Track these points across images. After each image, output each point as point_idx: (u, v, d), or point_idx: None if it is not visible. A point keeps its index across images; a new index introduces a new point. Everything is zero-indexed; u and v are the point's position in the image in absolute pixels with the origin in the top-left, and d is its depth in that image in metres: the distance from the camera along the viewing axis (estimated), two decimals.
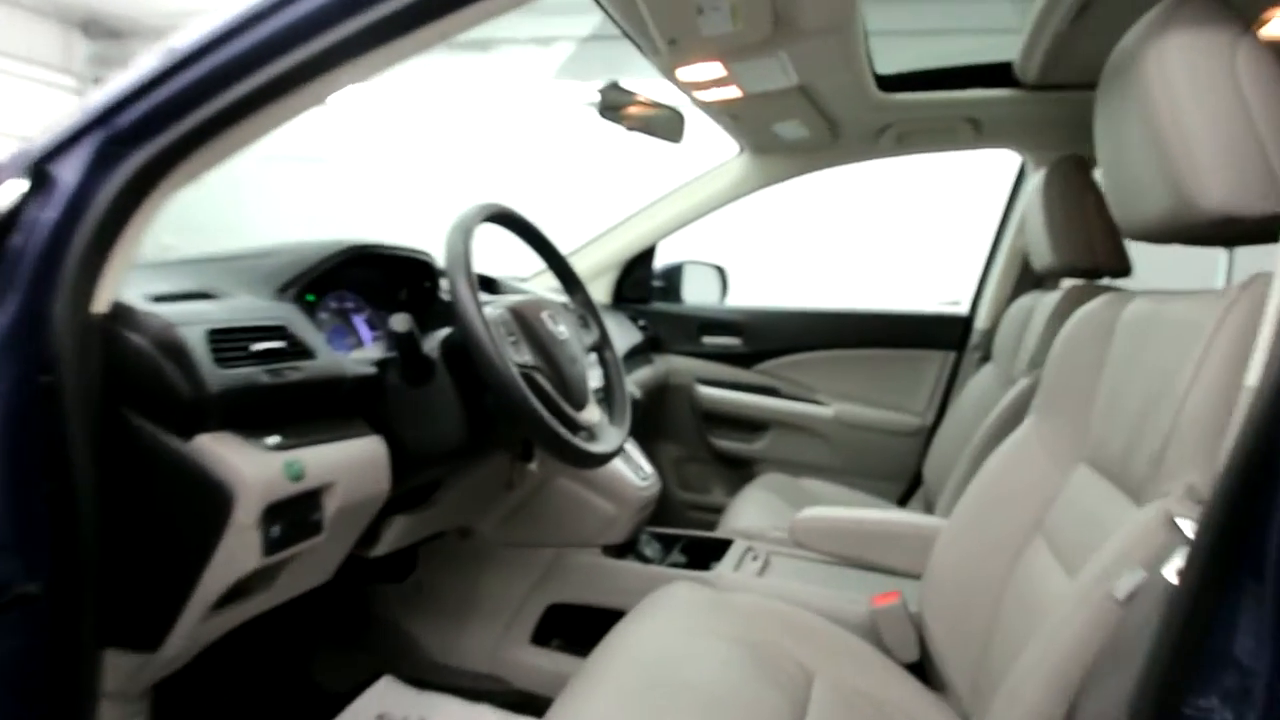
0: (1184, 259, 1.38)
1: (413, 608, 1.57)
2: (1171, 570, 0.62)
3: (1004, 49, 1.84)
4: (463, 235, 1.07)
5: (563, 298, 1.42)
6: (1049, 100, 1.88)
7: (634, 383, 2.07)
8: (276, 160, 6.01)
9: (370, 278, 1.27)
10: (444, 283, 1.32)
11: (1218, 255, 0.99)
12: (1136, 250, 1.71)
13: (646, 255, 2.51)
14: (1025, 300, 1.97)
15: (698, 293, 2.62)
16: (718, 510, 2.10)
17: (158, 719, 0.99)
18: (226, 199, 5.48)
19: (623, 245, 2.44)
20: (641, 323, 2.44)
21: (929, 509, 2.13)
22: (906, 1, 1.40)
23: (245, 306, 0.97)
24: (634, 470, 1.58)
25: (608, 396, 1.30)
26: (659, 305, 2.55)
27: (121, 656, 0.87)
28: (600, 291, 2.48)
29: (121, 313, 0.81)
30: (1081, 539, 0.93)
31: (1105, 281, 1.67)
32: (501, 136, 5.84)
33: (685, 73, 1.45)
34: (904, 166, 2.36)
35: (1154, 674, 0.53)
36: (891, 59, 1.86)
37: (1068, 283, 1.88)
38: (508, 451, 1.38)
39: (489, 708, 1.43)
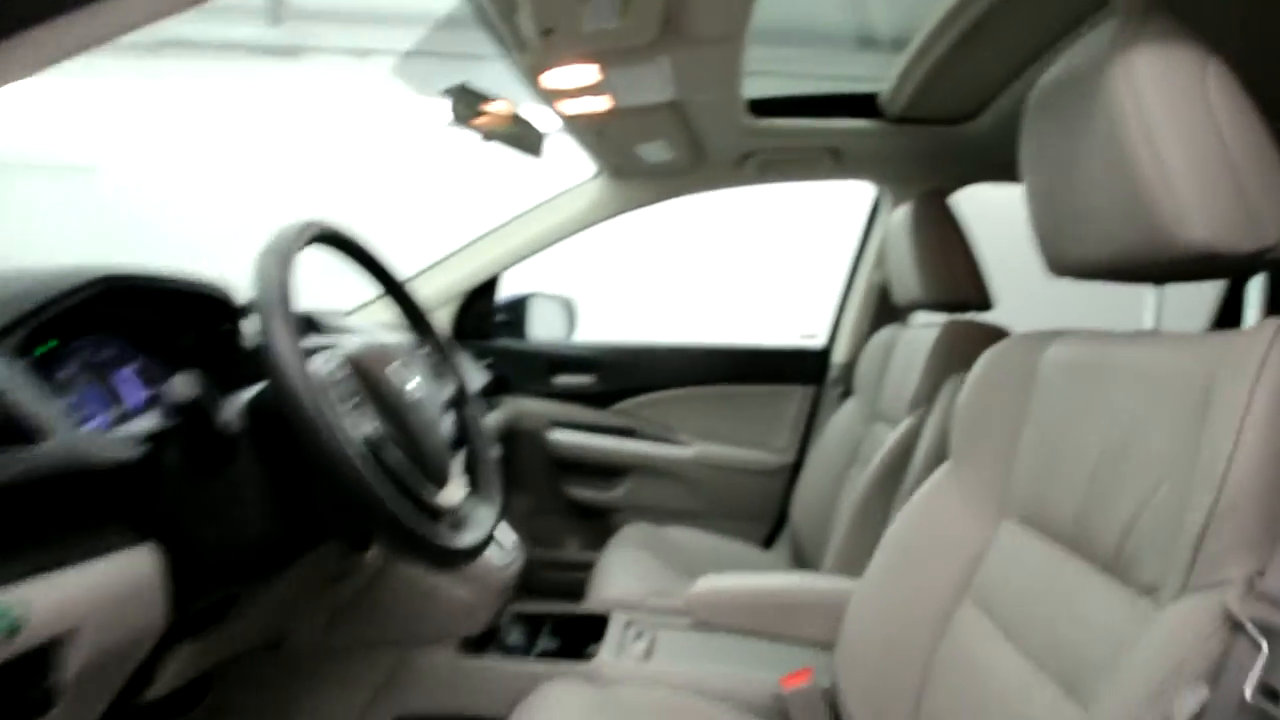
0: (1059, 297, 1.37)
1: None
2: (1251, 684, 0.52)
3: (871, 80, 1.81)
4: (278, 261, 0.79)
5: (400, 335, 1.15)
6: (912, 133, 1.88)
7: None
8: (32, 169, 5.07)
9: (142, 318, 0.94)
10: (248, 324, 1.01)
11: (1093, 289, 0.93)
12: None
13: (489, 286, 2.26)
14: (885, 334, 1.95)
15: (546, 327, 2.40)
16: (575, 567, 1.92)
17: None
18: None
19: (463, 275, 2.17)
20: (486, 361, 2.18)
21: (798, 551, 2.06)
22: (770, 44, 1.30)
23: None
24: (493, 544, 1.33)
25: (471, 465, 1.03)
26: (505, 341, 2.30)
27: None
28: (438, 326, 2.19)
29: None
30: (1032, 612, 0.84)
31: (973, 316, 1.65)
32: (323, 151, 5.29)
33: (554, 77, 1.24)
34: (758, 196, 2.30)
35: None
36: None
37: (922, 316, 1.87)
38: (338, 541, 1.08)
39: None
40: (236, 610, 0.96)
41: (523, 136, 1.47)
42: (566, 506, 2.30)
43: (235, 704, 1.22)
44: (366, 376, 0.84)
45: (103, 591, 0.68)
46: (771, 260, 4.33)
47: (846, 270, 2.33)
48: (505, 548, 1.37)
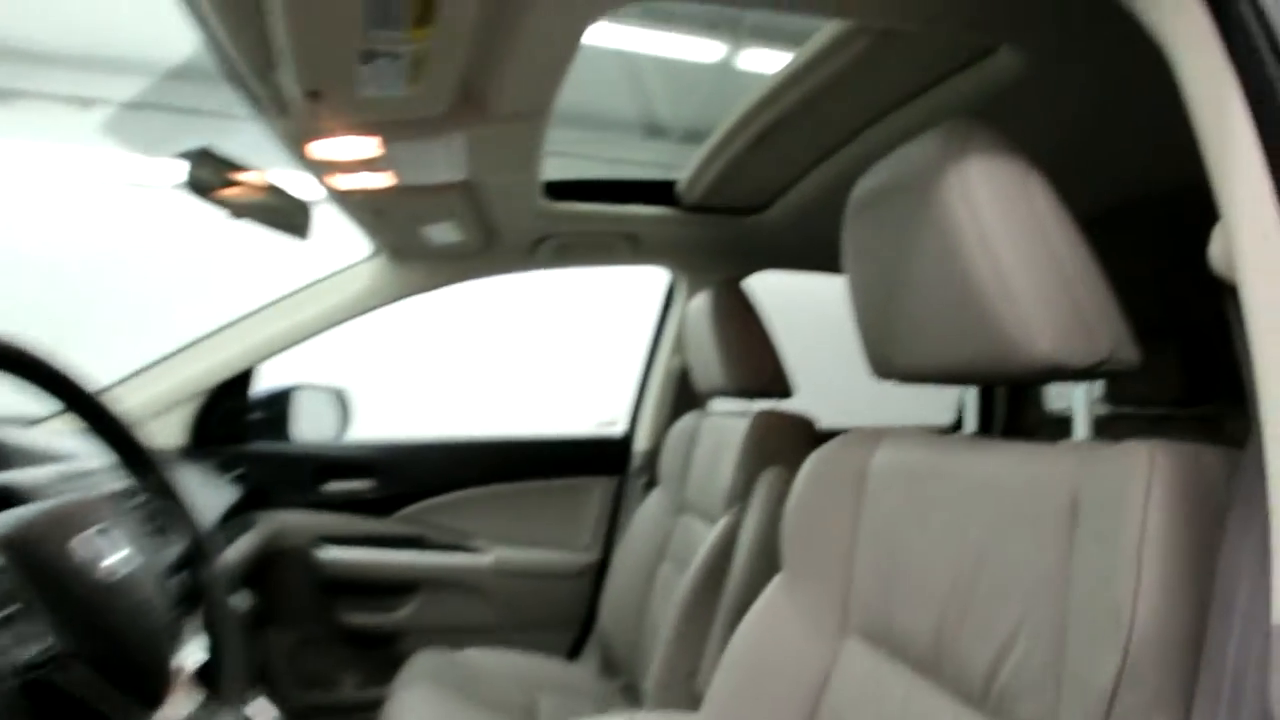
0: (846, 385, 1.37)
1: None
2: None
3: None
4: None
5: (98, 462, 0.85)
6: (707, 222, 1.88)
7: (230, 555, 1.48)
8: None
9: None
10: None
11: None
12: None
13: (243, 380, 1.92)
14: (687, 420, 1.91)
15: (314, 425, 2.07)
16: (357, 709, 1.68)
17: None
18: None
19: (209, 368, 1.82)
20: (238, 471, 1.83)
21: (607, 660, 1.92)
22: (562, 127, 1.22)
23: None
24: None
25: (214, 647, 0.76)
26: (261, 446, 1.95)
27: None
28: (173, 429, 1.80)
29: None
30: None
31: (775, 405, 1.64)
32: (35, 210, 4.40)
33: (324, 147, 1.04)
34: (548, 278, 2.19)
35: None
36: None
37: (720, 403, 1.85)
38: None
39: None
40: None
41: (283, 213, 1.24)
42: (341, 636, 1.96)
43: None
44: (33, 564, 0.57)
45: None
46: (563, 345, 4.23)
47: (644, 355, 2.27)
48: None
